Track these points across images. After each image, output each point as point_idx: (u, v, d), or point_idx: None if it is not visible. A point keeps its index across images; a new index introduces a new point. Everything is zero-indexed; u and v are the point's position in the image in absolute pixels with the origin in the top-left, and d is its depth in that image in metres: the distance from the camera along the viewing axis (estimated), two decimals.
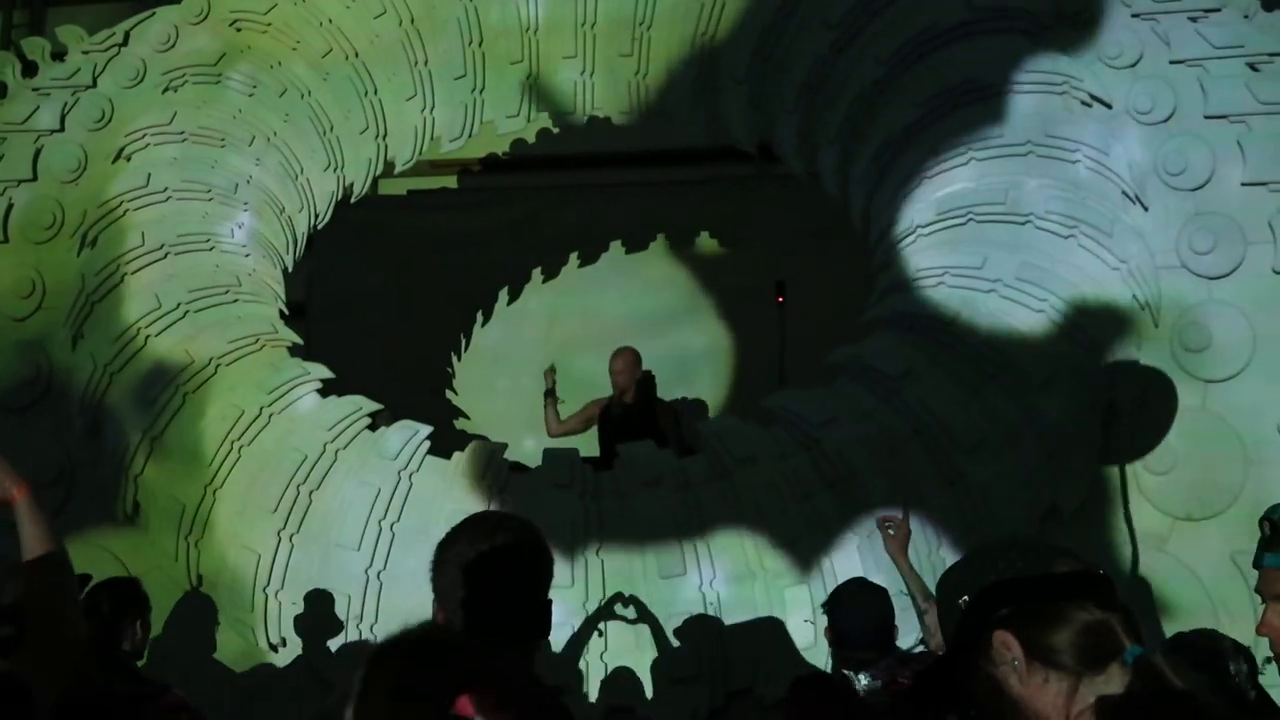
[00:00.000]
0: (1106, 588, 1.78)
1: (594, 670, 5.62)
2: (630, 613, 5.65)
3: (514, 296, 9.85)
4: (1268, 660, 3.98)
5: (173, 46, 7.02)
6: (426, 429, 6.23)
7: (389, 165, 7.65)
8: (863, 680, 3.98)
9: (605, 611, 5.66)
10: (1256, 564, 2.39)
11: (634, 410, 7.67)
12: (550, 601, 2.38)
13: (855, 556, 5.55)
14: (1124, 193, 5.96)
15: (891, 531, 4.77)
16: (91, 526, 6.24)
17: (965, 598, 1.79)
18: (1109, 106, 6.08)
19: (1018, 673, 1.71)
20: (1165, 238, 5.94)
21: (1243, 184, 5.94)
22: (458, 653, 1.67)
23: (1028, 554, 1.83)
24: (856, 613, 4.14)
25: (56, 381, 6.50)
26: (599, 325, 9.53)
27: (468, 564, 2.30)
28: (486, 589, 2.28)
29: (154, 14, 7.12)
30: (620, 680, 5.64)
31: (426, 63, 7.20)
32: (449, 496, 5.89)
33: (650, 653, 5.65)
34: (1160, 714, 1.61)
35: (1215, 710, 1.64)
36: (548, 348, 9.60)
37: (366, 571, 5.78)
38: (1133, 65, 6.13)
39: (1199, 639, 3.69)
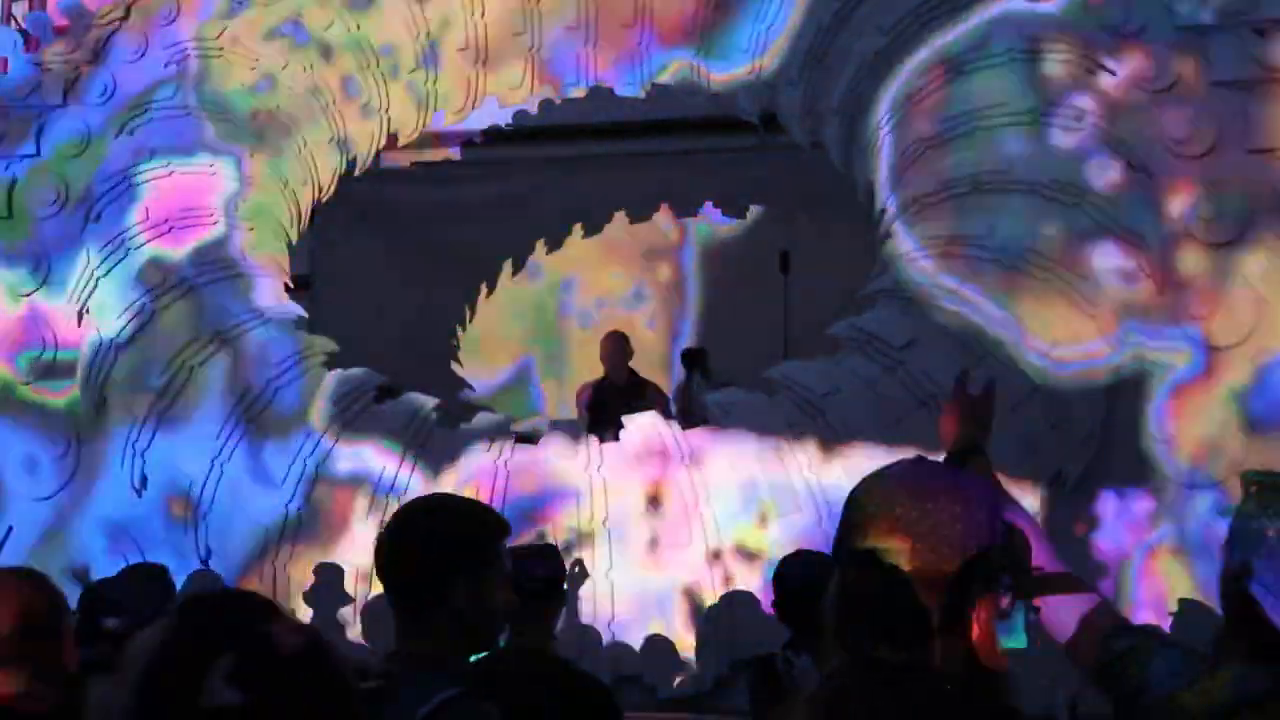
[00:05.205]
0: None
1: (601, 639, 5.65)
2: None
3: (518, 268, 9.84)
4: None
5: (175, 20, 6.99)
6: (433, 401, 6.25)
7: (392, 138, 7.64)
8: (803, 661, 3.89)
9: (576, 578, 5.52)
10: None
11: (624, 391, 7.70)
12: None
13: None
14: (1130, 161, 5.93)
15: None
16: (100, 500, 6.28)
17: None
18: (1114, 74, 6.05)
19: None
20: (1171, 205, 5.91)
21: (1249, 151, 5.91)
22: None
23: None
24: (801, 586, 3.93)
25: (62, 357, 6.51)
26: (603, 297, 9.55)
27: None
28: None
29: None
30: (626, 649, 5.67)
31: (429, 35, 7.17)
32: (456, 468, 5.92)
33: (656, 622, 5.68)
34: None
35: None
36: (552, 319, 9.62)
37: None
38: (1138, 32, 6.09)
39: None
